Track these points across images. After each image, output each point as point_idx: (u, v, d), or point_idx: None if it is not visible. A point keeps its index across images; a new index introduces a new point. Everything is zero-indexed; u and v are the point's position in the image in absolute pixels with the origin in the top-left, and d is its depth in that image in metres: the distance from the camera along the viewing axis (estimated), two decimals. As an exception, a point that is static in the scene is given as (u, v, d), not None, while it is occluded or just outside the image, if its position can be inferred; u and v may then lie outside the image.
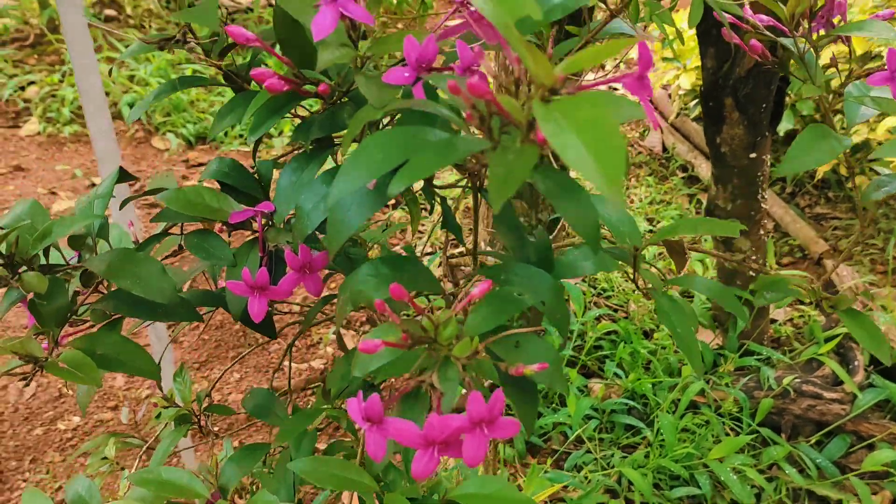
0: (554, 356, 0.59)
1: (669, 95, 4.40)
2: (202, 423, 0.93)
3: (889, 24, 0.68)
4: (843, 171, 3.41)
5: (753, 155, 2.29)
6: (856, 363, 2.45)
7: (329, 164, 0.71)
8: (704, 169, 3.93)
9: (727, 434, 2.28)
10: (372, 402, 0.48)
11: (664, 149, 4.24)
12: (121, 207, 0.75)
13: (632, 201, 3.83)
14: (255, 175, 0.79)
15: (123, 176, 0.77)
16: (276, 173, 0.84)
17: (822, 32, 0.74)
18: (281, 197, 0.70)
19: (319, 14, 0.55)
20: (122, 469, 1.06)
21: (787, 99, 3.39)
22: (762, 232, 2.47)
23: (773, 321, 2.77)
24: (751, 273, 2.48)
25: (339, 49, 0.54)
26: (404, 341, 0.50)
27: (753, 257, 2.48)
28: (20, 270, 0.62)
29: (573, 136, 0.37)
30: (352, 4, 0.55)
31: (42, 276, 0.61)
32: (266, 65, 0.65)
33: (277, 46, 0.66)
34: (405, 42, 0.55)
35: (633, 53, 4.14)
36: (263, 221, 0.72)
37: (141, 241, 0.86)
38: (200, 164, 3.81)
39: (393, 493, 0.72)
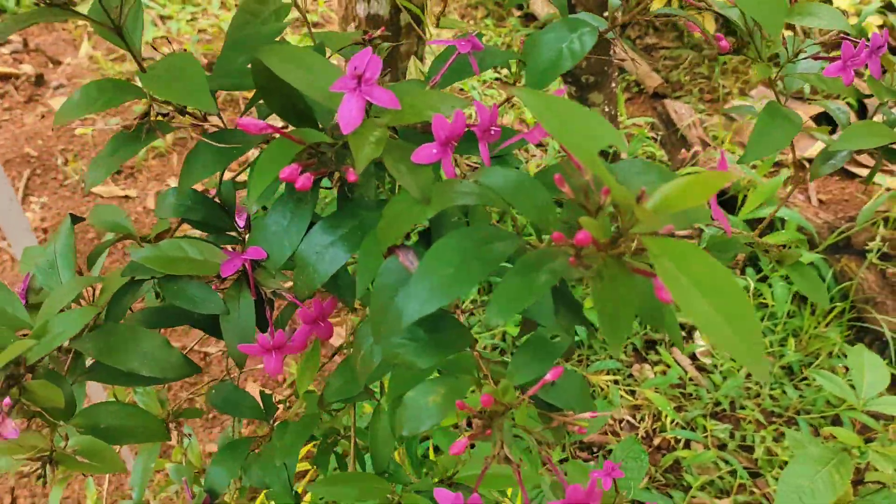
0: (582, 386, 0.63)
1: (496, -72, 4.28)
2: (172, 429, 0.92)
3: (838, 11, 0.71)
4: (675, 3, 3.52)
5: (606, 13, 2.33)
6: (701, 199, 2.67)
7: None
8: (539, 5, 3.95)
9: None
10: (474, 500, 0.51)
11: (495, -16, 4.19)
12: (90, 265, 0.69)
13: (472, 46, 3.80)
14: (217, 200, 0.74)
15: (74, 220, 0.70)
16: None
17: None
18: (272, 242, 0.67)
19: (344, 105, 0.51)
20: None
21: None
22: (614, 84, 2.56)
23: (622, 162, 2.93)
24: (605, 125, 2.59)
25: (373, 135, 0.51)
26: (487, 434, 0.53)
27: (607, 109, 2.58)
28: (23, 380, 0.57)
29: (701, 300, 0.39)
30: (377, 90, 0.51)
31: (52, 385, 0.56)
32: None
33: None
34: (434, 121, 0.52)
35: None
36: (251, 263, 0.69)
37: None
38: None
39: (409, 494, 0.76)
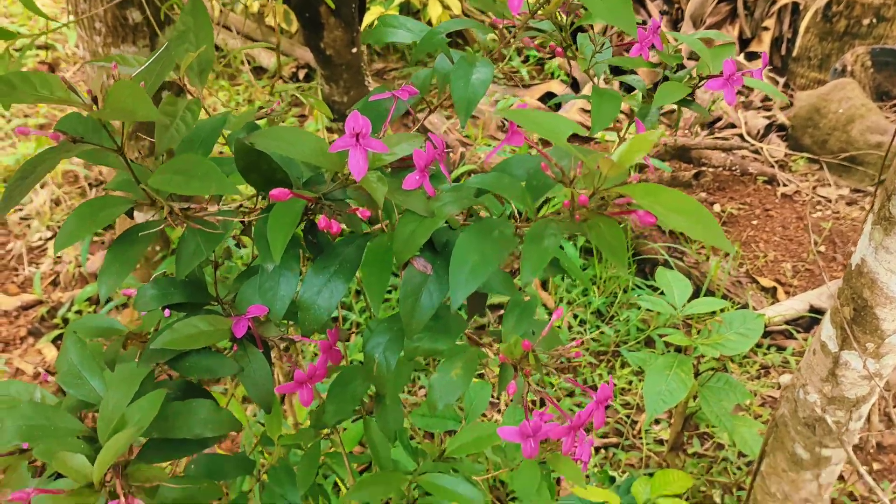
0: (553, 330, 0.81)
1: (203, -7, 4.35)
2: None
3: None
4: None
5: (354, 50, 2.53)
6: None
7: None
8: (265, 58, 4.09)
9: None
10: (535, 421, 0.66)
11: (217, 48, 4.26)
12: (111, 368, 0.74)
13: (215, 109, 3.86)
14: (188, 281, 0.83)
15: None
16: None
17: None
18: (269, 298, 0.77)
19: (351, 159, 0.64)
20: None
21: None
22: (377, 111, 2.78)
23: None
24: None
25: (374, 177, 0.65)
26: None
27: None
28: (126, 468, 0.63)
29: (676, 216, 0.58)
30: (373, 142, 0.65)
31: (153, 466, 0.63)
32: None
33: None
34: (415, 154, 0.67)
35: None
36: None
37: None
38: None
39: (422, 477, 0.89)
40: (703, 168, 3.13)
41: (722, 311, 2.26)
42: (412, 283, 0.69)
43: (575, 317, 2.65)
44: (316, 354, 2.09)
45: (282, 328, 0.81)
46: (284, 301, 0.77)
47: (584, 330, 2.61)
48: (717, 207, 3.05)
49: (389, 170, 0.75)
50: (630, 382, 2.46)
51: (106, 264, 0.72)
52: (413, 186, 0.68)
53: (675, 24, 4.08)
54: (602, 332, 2.60)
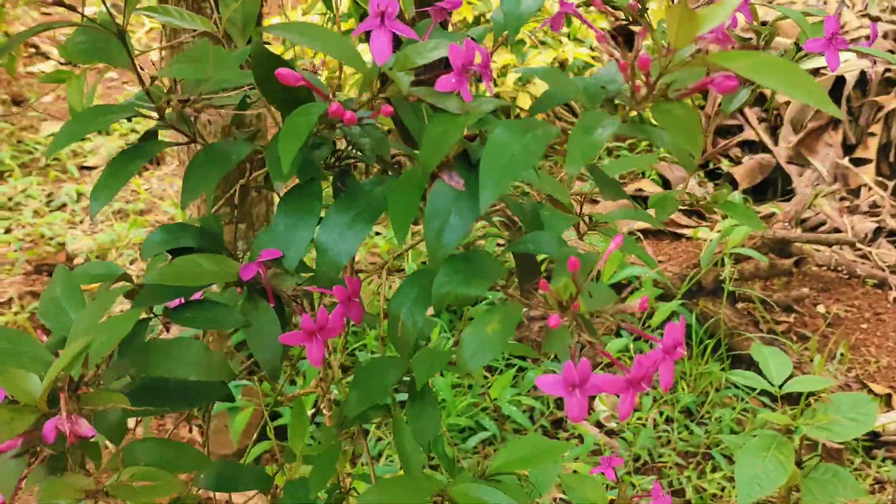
0: (611, 293, 0.68)
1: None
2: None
3: None
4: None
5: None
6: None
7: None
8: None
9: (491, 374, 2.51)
10: (583, 365, 0.52)
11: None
12: None
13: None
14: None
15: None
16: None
17: None
18: (285, 241, 0.67)
19: (374, 40, 0.56)
20: None
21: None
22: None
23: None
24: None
25: (401, 73, 0.56)
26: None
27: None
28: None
29: (764, 75, 0.46)
30: (398, 24, 0.56)
31: (112, 391, 0.53)
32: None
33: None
34: (450, 51, 0.58)
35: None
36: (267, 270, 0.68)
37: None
38: None
39: (455, 487, 0.75)
40: (804, 256, 2.92)
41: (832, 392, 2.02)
42: (441, 199, 0.58)
43: (661, 413, 2.43)
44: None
45: (298, 280, 0.70)
46: (300, 246, 0.67)
47: (672, 429, 2.38)
48: (821, 308, 2.82)
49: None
50: (723, 489, 2.21)
51: (101, 180, 0.64)
52: (448, 89, 0.58)
53: (774, 130, 3.96)
54: (691, 433, 2.36)
